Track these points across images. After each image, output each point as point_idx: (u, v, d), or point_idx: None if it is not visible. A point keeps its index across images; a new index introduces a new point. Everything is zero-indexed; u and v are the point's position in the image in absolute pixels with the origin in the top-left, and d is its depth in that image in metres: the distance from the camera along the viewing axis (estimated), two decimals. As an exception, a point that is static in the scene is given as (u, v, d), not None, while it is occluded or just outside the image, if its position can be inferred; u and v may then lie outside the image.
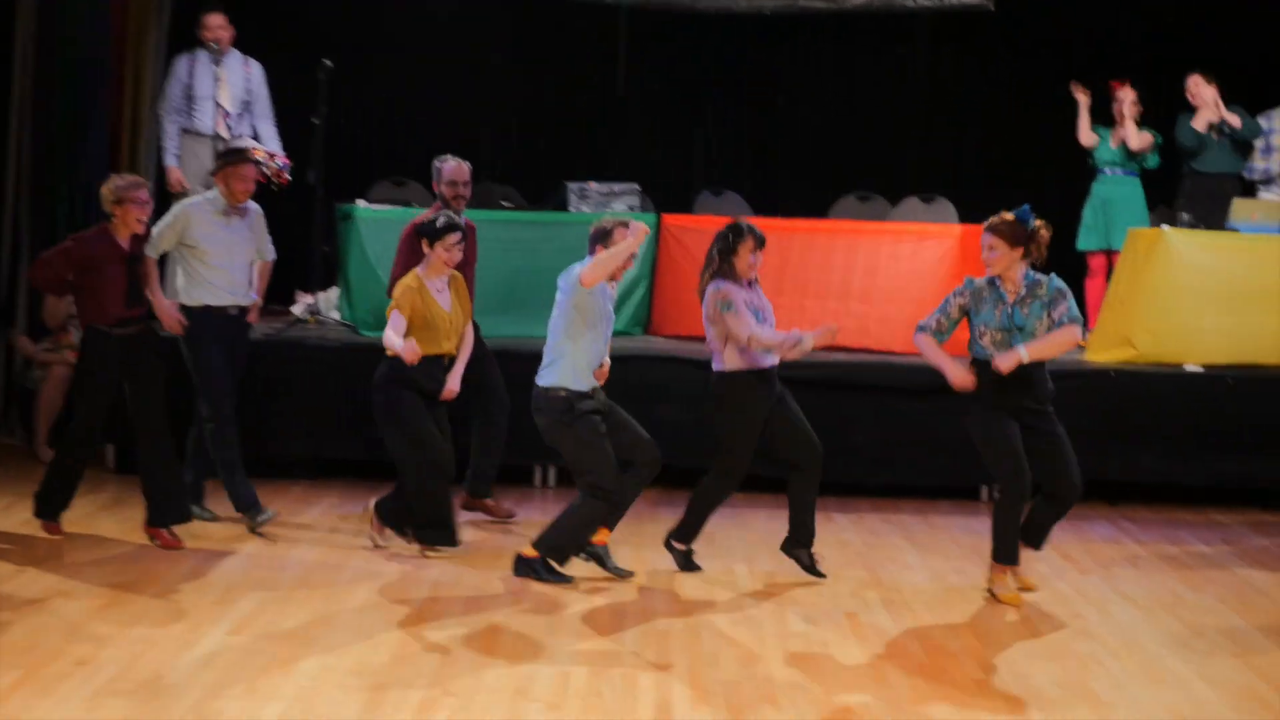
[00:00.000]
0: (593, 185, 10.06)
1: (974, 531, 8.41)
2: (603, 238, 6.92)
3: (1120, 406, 8.92)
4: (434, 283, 7.32)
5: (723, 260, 7.02)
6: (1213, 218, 9.56)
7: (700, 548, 7.37)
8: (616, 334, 9.80)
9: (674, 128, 12.40)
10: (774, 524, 7.56)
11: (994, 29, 11.87)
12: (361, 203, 9.89)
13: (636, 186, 10.16)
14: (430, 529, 7.36)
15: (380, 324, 9.51)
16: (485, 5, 11.82)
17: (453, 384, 7.42)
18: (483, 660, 5.81)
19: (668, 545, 7.32)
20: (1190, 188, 10.11)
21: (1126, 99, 10.09)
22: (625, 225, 6.87)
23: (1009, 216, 6.87)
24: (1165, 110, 10.34)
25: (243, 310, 7.86)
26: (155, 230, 7.57)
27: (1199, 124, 10.02)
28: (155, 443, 7.38)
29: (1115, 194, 10.23)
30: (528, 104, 12.26)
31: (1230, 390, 8.90)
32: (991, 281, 6.85)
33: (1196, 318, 9.06)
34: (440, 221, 7.27)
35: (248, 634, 6.03)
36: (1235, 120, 9.94)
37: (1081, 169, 10.49)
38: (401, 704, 5.29)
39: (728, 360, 7.03)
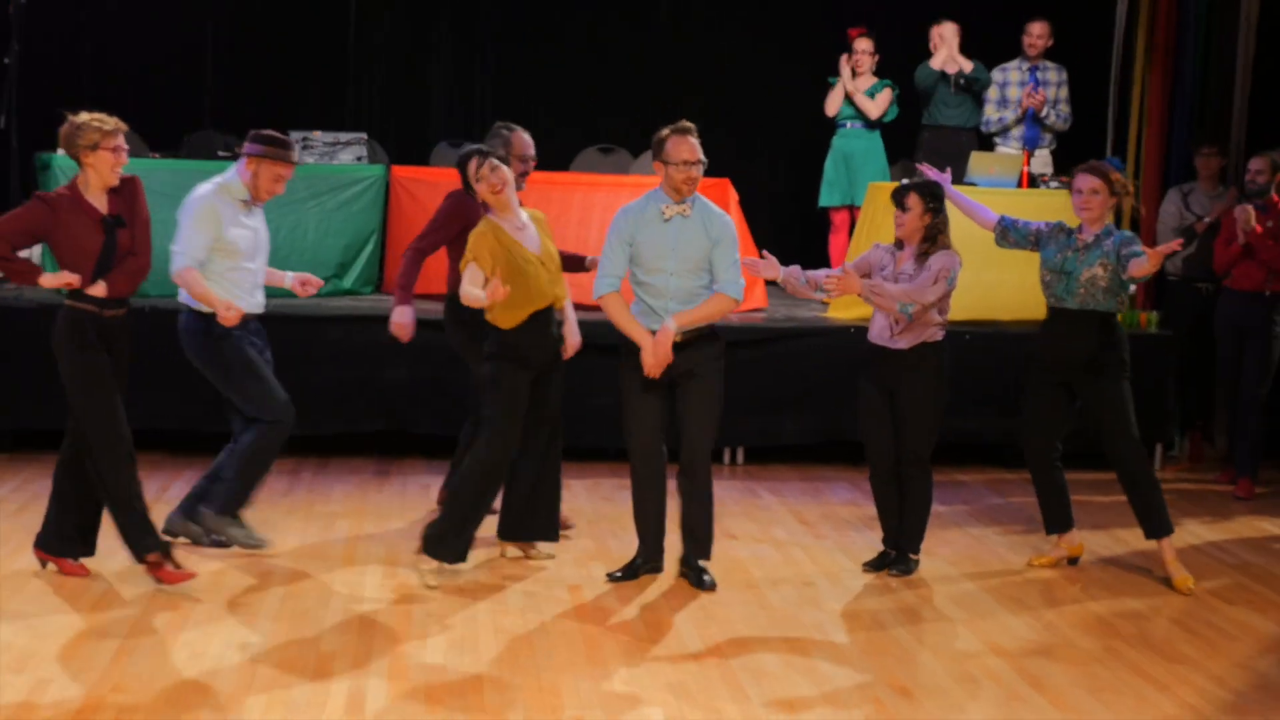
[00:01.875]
0: (317, 134, 9.53)
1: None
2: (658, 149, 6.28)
3: (859, 364, 8.74)
4: (509, 222, 6.30)
5: None
6: (951, 172, 9.45)
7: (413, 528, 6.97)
8: (345, 293, 9.41)
9: (411, 77, 11.89)
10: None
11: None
12: (61, 152, 9.13)
13: (363, 136, 9.66)
14: (447, 539, 6.29)
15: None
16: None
17: (572, 336, 6.54)
18: (161, 649, 5.33)
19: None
20: (929, 140, 10.03)
21: (862, 49, 9.94)
22: (682, 132, 6.24)
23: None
24: (903, 59, 10.22)
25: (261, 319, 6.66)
26: (188, 232, 6.37)
27: (936, 62, 9.94)
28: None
29: (856, 148, 10.11)
30: (255, 47, 11.60)
31: (968, 346, 8.82)
32: (1068, 230, 6.69)
33: (936, 273, 8.96)
34: (463, 151, 6.50)
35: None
36: (967, 65, 9.90)
37: (822, 123, 10.32)
38: (62, 700, 4.79)
39: None
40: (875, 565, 6.81)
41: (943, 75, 9.95)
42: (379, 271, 9.75)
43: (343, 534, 7.05)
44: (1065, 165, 10.04)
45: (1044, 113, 9.92)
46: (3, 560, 6.40)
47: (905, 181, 6.75)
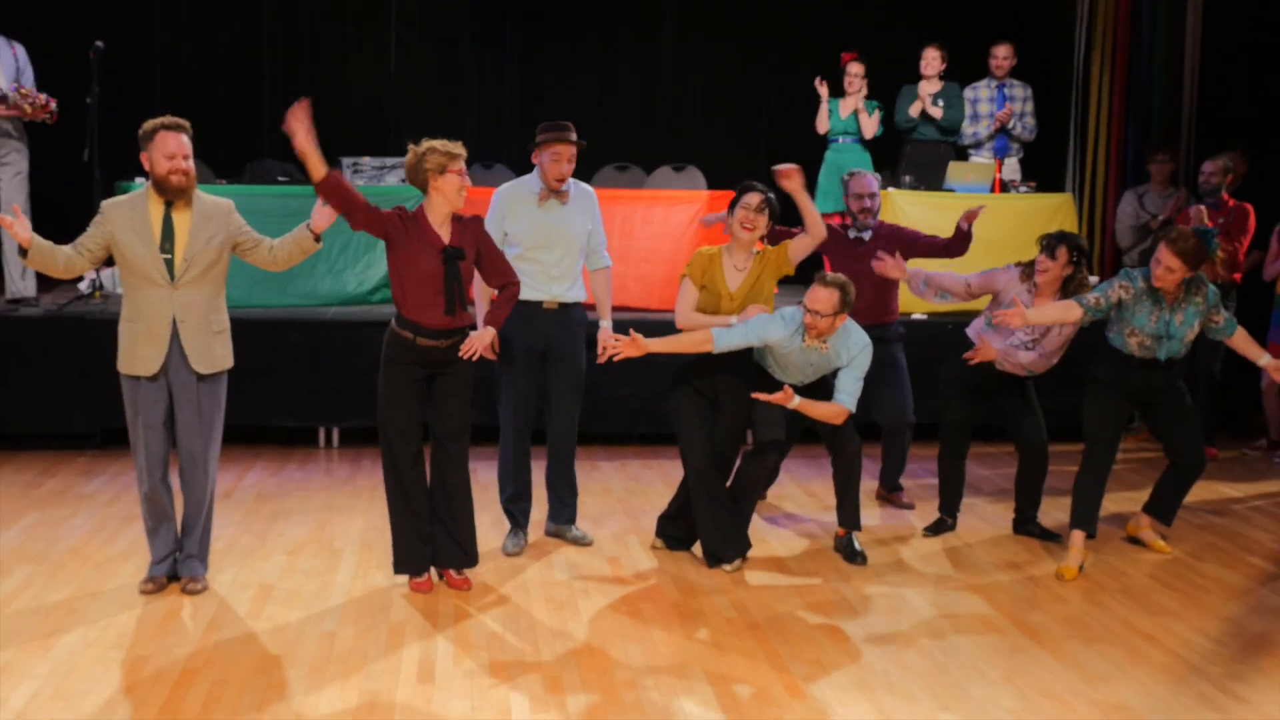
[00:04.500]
0: (365, 159, 9.39)
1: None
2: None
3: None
4: (734, 257, 6.07)
5: None
6: (931, 179, 9.38)
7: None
8: (378, 303, 9.22)
9: (444, 107, 11.78)
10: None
11: (734, 11, 11.62)
12: (140, 180, 9.03)
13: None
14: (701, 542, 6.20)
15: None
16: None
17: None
18: (248, 627, 5.22)
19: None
20: (911, 153, 9.91)
21: (855, 72, 9.80)
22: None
23: (1191, 234, 5.77)
24: (892, 79, 10.09)
25: (564, 307, 6.19)
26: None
27: (915, 110, 9.82)
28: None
29: (848, 161, 9.93)
30: (307, 83, 11.44)
31: (951, 336, 8.68)
32: (1152, 290, 5.94)
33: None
34: (742, 184, 6.06)
35: (9, 609, 5.32)
36: (937, 113, 9.78)
37: (814, 138, 10.19)
38: (161, 677, 4.68)
39: None
40: (934, 530, 6.78)
41: (921, 111, 9.85)
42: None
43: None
44: (1032, 171, 9.97)
45: (1011, 125, 9.80)
46: (100, 547, 6.28)
47: (1055, 233, 6.26)
